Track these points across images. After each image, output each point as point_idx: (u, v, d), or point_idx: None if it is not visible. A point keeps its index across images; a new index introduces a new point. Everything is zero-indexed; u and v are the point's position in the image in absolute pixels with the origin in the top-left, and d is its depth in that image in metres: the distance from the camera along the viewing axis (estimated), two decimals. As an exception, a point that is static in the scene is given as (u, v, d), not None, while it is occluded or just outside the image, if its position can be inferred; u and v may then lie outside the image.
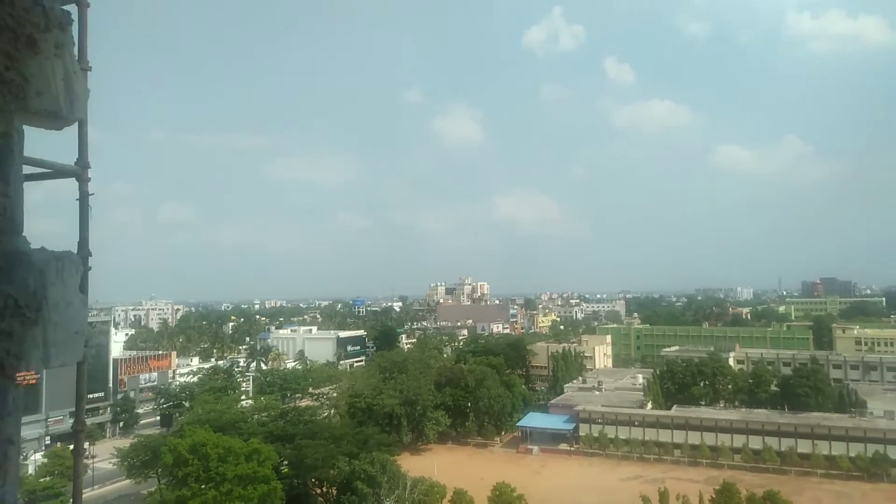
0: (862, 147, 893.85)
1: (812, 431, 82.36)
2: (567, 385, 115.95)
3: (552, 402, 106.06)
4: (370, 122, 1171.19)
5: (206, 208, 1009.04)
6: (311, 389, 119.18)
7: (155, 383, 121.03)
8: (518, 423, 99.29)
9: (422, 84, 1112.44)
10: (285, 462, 66.13)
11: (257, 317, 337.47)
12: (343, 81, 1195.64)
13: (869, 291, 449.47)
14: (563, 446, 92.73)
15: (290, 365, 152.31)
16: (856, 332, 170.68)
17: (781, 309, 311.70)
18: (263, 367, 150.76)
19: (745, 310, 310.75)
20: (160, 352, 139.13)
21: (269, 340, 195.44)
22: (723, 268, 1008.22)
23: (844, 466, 77.57)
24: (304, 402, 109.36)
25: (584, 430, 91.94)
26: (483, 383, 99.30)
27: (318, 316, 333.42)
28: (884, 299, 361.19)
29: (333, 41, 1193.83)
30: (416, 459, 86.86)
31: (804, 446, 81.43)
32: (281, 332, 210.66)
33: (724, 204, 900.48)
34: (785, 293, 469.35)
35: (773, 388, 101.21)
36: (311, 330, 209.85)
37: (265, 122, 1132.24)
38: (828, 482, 76.31)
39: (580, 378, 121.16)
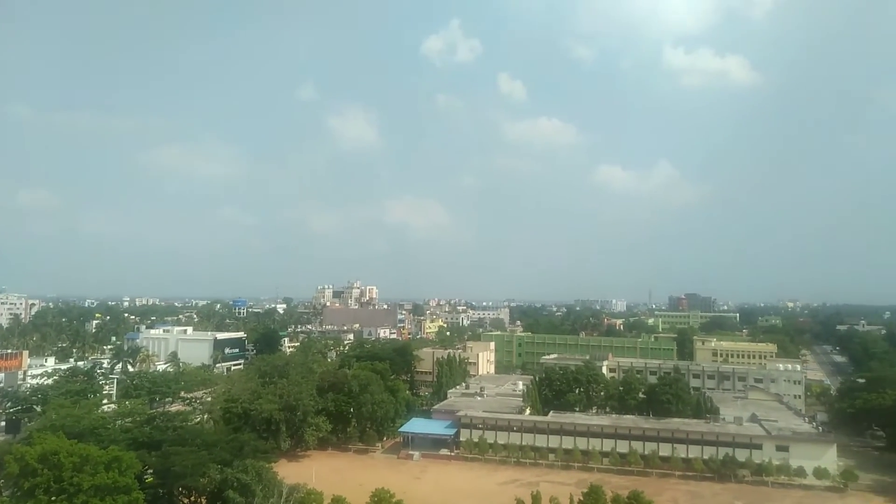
0: (723, 176, 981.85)
1: (672, 436, 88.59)
2: (451, 391, 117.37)
3: (435, 407, 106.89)
4: (260, 116, 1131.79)
5: (72, 195, 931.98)
6: (183, 393, 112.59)
7: (1, 385, 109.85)
8: (400, 429, 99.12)
9: (317, 82, 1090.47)
10: (150, 470, 62.11)
11: (126, 315, 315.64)
12: (232, 71, 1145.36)
13: (726, 307, 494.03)
14: (445, 451, 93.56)
15: (161, 367, 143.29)
16: (713, 344, 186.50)
17: (650, 321, 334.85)
18: (130, 368, 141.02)
19: (619, 321, 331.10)
20: (9, 350, 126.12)
21: (138, 340, 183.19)
22: (600, 280, 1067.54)
23: (699, 468, 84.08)
24: (175, 407, 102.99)
25: (465, 435, 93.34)
26: (367, 389, 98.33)
27: (195, 316, 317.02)
28: (738, 315, 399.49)
29: (224, 30, 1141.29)
30: (294, 466, 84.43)
31: (665, 450, 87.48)
32: (152, 331, 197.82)
33: (602, 220, 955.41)
34: (654, 306, 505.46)
35: (641, 395, 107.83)
36: (185, 330, 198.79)
37: (144, 107, 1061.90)
38: (684, 483, 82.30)
39: (464, 384, 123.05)
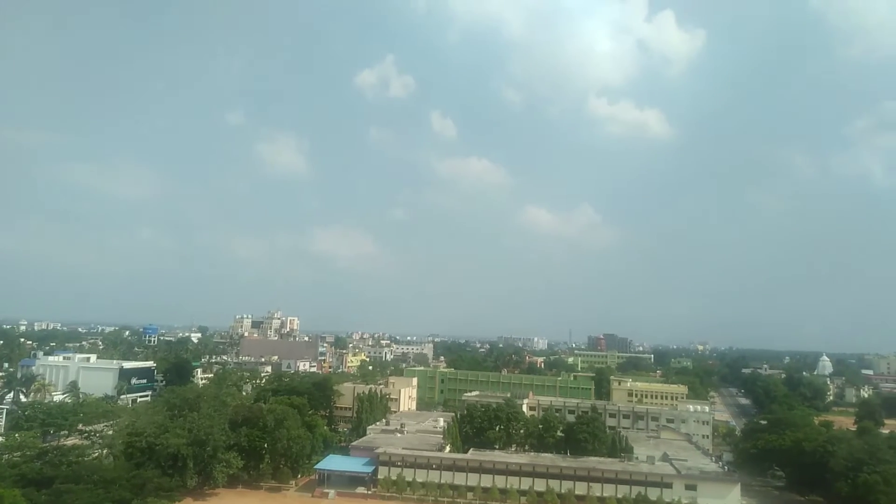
0: (640, 222, 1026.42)
1: (588, 474, 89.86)
2: (370, 427, 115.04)
3: (354, 444, 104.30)
4: (182, 138, 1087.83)
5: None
6: (81, 426, 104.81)
7: None
8: (316, 466, 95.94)
9: (246, 107, 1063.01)
10: (37, 511, 57.14)
11: (22, 340, 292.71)
12: (153, 91, 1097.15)
13: (641, 348, 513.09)
14: (361, 489, 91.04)
15: (59, 397, 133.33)
16: (629, 384, 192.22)
17: (570, 360, 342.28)
18: (23, 398, 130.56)
19: (540, 359, 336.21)
20: None
21: (33, 368, 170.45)
22: (523, 318, 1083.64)
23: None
24: (72, 441, 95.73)
25: (383, 472, 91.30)
26: (283, 424, 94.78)
27: (100, 343, 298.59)
28: (652, 356, 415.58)
29: (145, 47, 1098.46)
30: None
31: (581, 488, 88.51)
32: (51, 358, 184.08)
33: (527, 260, 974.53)
34: (574, 345, 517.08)
35: (559, 433, 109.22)
36: (88, 358, 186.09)
37: (52, 122, 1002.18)
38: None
39: (384, 420, 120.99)
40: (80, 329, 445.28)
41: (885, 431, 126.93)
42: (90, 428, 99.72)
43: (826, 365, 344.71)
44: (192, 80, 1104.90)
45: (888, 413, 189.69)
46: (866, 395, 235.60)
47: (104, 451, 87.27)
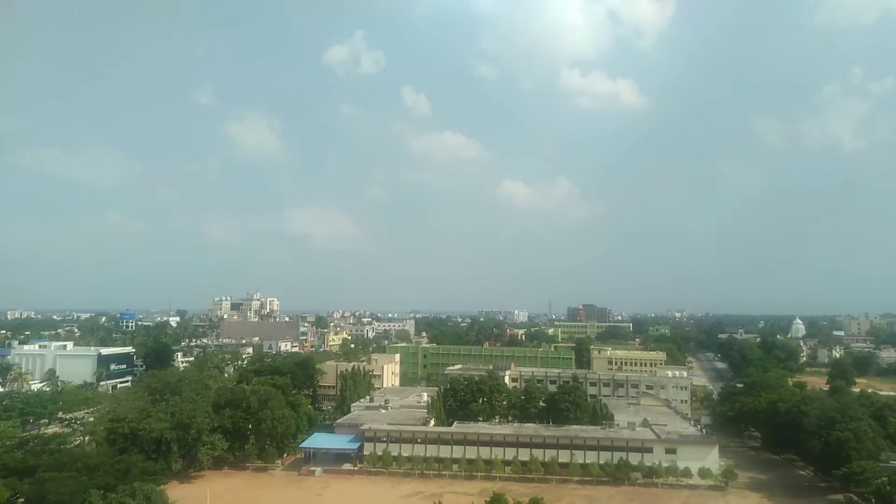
0: (615, 193, 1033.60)
1: (571, 442, 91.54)
2: (354, 404, 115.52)
3: (338, 421, 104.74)
4: (150, 119, 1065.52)
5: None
6: (61, 414, 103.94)
7: None
8: (301, 445, 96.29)
9: (214, 86, 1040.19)
10: (21, 500, 56.79)
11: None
12: (119, 72, 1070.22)
13: (620, 317, 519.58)
14: (348, 466, 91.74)
15: (37, 386, 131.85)
16: (609, 352, 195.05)
17: (550, 331, 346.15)
18: (0, 388, 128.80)
19: (521, 331, 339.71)
20: None
21: (9, 357, 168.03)
22: (503, 291, 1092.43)
23: (595, 473, 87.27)
24: (52, 429, 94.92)
25: (368, 448, 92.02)
26: (266, 404, 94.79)
27: (76, 330, 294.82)
28: (631, 324, 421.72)
29: (109, 27, 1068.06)
30: (186, 488, 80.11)
31: (564, 456, 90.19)
32: (27, 347, 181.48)
33: (506, 233, 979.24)
34: (554, 316, 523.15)
35: (542, 403, 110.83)
36: (65, 346, 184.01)
37: (16, 105, 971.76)
38: (581, 488, 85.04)
39: (368, 397, 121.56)
40: (55, 317, 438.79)
41: (856, 390, 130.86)
42: (70, 415, 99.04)
43: (799, 328, 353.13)
44: (158, 60, 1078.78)
45: (859, 372, 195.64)
46: (838, 356, 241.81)
47: (86, 438, 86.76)
